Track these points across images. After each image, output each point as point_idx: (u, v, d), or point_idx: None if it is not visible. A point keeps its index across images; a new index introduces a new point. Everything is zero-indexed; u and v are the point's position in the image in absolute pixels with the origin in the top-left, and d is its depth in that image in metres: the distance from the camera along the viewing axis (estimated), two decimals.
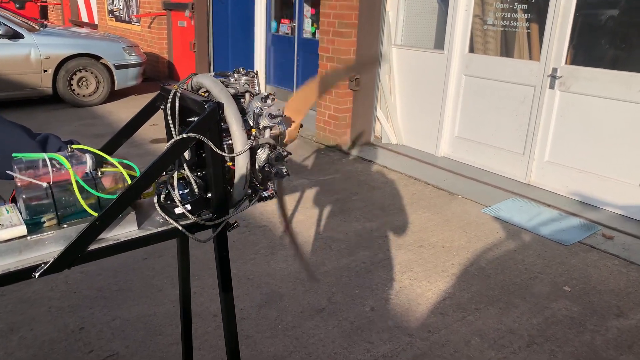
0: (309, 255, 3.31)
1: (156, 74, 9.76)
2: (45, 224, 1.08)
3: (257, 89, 1.36)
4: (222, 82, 1.32)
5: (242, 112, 1.31)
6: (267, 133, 1.30)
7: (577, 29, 4.08)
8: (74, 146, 1.14)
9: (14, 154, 1.10)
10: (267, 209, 3.91)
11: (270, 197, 1.40)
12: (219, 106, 1.21)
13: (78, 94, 7.29)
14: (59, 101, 7.25)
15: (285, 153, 1.30)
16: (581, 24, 4.10)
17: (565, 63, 4.14)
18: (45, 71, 6.90)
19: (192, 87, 1.37)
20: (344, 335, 2.54)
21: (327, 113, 5.67)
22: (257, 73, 1.36)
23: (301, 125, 1.44)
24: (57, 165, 1.09)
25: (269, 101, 1.28)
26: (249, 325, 2.59)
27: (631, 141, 3.80)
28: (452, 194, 4.42)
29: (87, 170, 1.12)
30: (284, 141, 1.39)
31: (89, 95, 7.38)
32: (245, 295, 2.83)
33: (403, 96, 5.56)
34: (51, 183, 1.07)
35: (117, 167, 1.15)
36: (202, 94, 1.36)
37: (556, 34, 4.13)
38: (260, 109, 1.27)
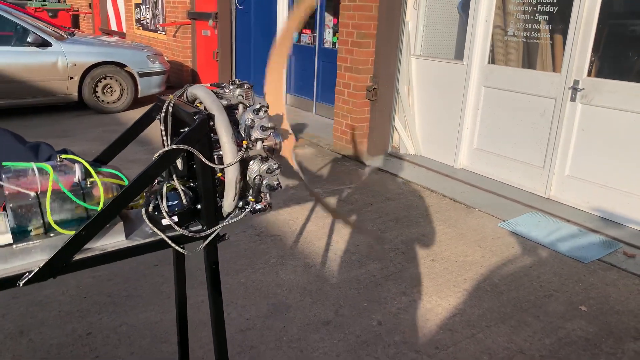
0: (318, 267, 3.28)
1: (180, 81, 9.91)
2: (32, 233, 1.09)
3: (251, 100, 1.35)
4: (216, 94, 1.31)
5: (235, 123, 1.30)
6: (259, 145, 1.29)
7: (600, 40, 3.97)
8: (64, 156, 1.15)
9: (3, 163, 1.11)
10: (279, 218, 3.90)
11: (264, 210, 1.39)
12: (209, 117, 1.20)
13: (102, 100, 7.45)
14: (84, 108, 7.41)
15: (275, 166, 1.29)
16: (604, 35, 3.99)
17: (588, 75, 4.04)
18: (71, 78, 7.07)
19: (187, 98, 1.37)
20: (349, 349, 2.50)
21: (344, 122, 5.66)
22: (252, 85, 1.35)
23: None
24: (46, 175, 1.10)
25: (261, 113, 1.26)
26: (253, 336, 2.57)
27: None
28: (469, 207, 4.35)
29: (76, 180, 1.13)
30: (280, 153, 1.38)
31: (113, 102, 7.54)
32: (252, 305, 2.82)
33: (422, 107, 5.51)
34: (39, 192, 1.08)
35: (105, 179, 1.15)
36: (198, 104, 1.36)
37: (578, 45, 4.04)
38: (252, 120, 1.26)
